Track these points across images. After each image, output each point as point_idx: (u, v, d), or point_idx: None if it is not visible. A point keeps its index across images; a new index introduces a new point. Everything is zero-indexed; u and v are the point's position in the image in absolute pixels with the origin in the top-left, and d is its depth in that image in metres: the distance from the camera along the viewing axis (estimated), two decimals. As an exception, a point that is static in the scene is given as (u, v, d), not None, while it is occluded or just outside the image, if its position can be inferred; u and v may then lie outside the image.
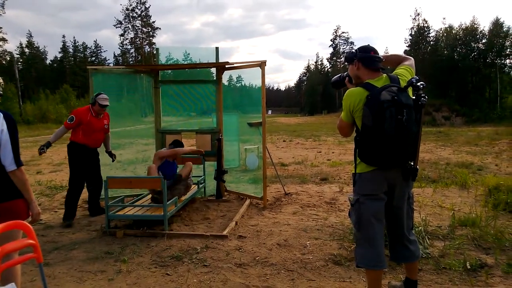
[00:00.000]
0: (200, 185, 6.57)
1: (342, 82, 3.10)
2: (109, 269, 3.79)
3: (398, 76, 2.77)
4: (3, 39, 58.24)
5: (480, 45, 49.81)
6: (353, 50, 2.87)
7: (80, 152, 5.58)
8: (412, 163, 2.71)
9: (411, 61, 3.02)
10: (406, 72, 2.85)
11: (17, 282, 2.54)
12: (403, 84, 2.68)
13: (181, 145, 5.94)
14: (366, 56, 2.79)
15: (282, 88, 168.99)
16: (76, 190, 5.57)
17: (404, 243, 2.91)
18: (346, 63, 2.99)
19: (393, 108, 2.51)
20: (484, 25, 77.88)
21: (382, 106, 2.51)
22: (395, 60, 3.09)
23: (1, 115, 2.57)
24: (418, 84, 2.56)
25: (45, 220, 5.55)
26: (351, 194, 2.94)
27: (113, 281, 3.52)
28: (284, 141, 19.96)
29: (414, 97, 2.63)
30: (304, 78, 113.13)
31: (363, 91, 2.66)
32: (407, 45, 58.93)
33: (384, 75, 2.77)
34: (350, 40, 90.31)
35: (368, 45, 2.87)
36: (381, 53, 2.89)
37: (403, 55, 3.15)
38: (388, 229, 2.99)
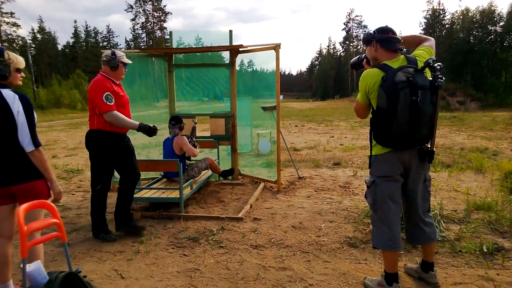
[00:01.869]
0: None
1: (360, 64, 3.08)
2: (128, 249, 3.87)
3: (416, 57, 2.73)
4: (16, 25, 58.63)
5: (498, 28, 48.66)
6: (371, 32, 2.84)
7: (109, 145, 4.10)
8: (428, 145, 2.71)
9: (431, 42, 2.98)
10: (425, 53, 2.81)
11: (41, 261, 2.60)
12: (420, 65, 2.64)
13: (180, 121, 5.77)
14: (385, 37, 2.75)
15: (294, 72, 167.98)
16: (103, 197, 4.37)
17: (419, 225, 2.92)
18: (363, 45, 2.95)
19: (408, 89, 2.48)
20: (502, 7, 75.98)
21: (396, 87, 2.49)
22: (414, 41, 3.04)
23: (17, 96, 2.60)
24: (435, 65, 2.53)
25: (63, 202, 5.65)
26: (368, 176, 2.95)
27: (132, 261, 3.60)
28: (296, 126, 19.91)
29: (431, 78, 2.59)
30: (316, 62, 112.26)
31: (379, 72, 2.64)
32: (421, 28, 57.94)
33: (402, 56, 2.74)
34: (363, 24, 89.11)
35: (386, 25, 2.82)
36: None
37: (423, 36, 3.09)
38: (404, 211, 3.01)
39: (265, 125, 11.56)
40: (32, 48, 67.98)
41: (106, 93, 3.90)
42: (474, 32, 49.81)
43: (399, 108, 2.48)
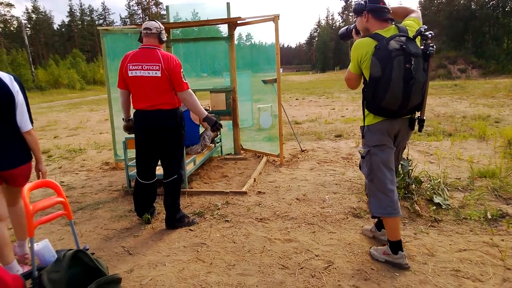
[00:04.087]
0: (217, 144, 6.61)
1: (349, 34, 3.12)
2: (134, 226, 3.90)
3: (407, 27, 2.75)
4: (10, 4, 57.79)
5: (500, -9, 47.75)
6: (362, 2, 2.83)
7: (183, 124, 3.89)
8: (418, 114, 2.76)
9: (418, 13, 3.02)
10: (414, 24, 2.82)
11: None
12: (411, 34, 2.67)
13: None
14: (376, 7, 2.76)
15: (293, 45, 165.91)
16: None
17: None
18: (354, 16, 2.95)
19: (401, 57, 2.50)
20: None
21: (390, 55, 2.50)
22: (402, 13, 3.07)
23: (11, 77, 2.64)
24: (427, 33, 2.55)
25: (67, 182, 5.67)
26: (361, 147, 2.97)
27: (139, 237, 3.62)
28: (296, 99, 19.80)
29: (422, 47, 2.62)
30: (315, 34, 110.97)
31: (372, 41, 2.64)
32: (421, -5, 56.90)
33: (393, 25, 2.76)
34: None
35: None
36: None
37: (410, 7, 3.13)
38: None
39: (265, 100, 11.50)
40: (27, 29, 67.19)
41: (182, 69, 3.61)
42: (476, -3, 48.91)
43: (394, 76, 2.50)
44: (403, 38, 2.57)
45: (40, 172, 2.91)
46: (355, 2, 2.95)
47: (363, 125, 2.89)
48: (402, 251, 2.84)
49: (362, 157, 2.92)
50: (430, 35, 2.55)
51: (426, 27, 2.59)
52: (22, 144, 2.71)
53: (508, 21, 47.19)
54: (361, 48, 2.68)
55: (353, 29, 3.03)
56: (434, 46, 2.58)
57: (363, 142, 2.92)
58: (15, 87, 2.60)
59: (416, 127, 2.83)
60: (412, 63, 2.49)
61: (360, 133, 2.97)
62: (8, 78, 2.60)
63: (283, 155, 6.27)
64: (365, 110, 2.82)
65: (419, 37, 2.62)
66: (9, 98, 2.56)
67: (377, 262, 2.94)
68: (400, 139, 2.89)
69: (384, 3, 2.78)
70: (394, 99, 2.56)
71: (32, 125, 2.72)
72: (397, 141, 2.88)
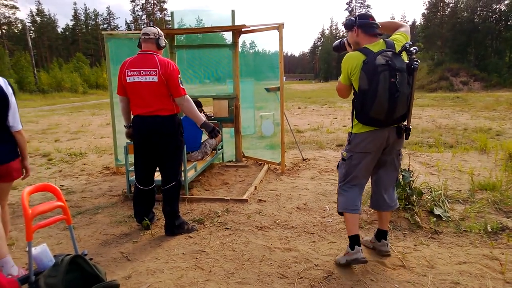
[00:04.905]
0: (218, 151, 6.61)
1: (342, 47, 3.26)
2: (133, 232, 3.88)
3: (394, 42, 2.89)
4: (14, 7, 58.12)
5: (502, 6, 47.87)
6: (352, 18, 3.00)
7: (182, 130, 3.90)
8: (405, 123, 2.91)
9: (407, 28, 3.16)
10: (402, 38, 2.97)
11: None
12: (398, 49, 2.81)
13: (200, 105, 5.99)
14: (365, 22, 2.91)
15: (296, 54, 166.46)
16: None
17: (383, 193, 3.14)
18: (345, 30, 3.11)
19: (387, 71, 2.66)
20: (507, -15, 74.59)
21: (376, 69, 2.66)
22: (392, 27, 3.20)
23: (5, 80, 2.78)
24: (411, 49, 2.71)
25: (67, 186, 5.66)
26: (344, 150, 3.11)
27: (138, 243, 3.61)
28: (299, 108, 19.83)
29: (407, 61, 2.76)
30: (319, 43, 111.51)
31: (360, 56, 2.79)
32: (425, 7, 57.18)
33: (381, 40, 2.91)
34: (366, 3, 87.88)
35: (366, 12, 3.04)
36: (380, 20, 3.05)
37: (399, 22, 3.28)
38: (374, 179, 3.20)
39: (268, 107, 11.50)
40: (31, 31, 67.55)
41: (179, 75, 3.60)
42: (479, 11, 49.04)
43: (380, 89, 2.66)
44: (389, 53, 2.72)
45: (24, 169, 3.06)
46: (346, 18, 3.07)
47: (351, 132, 3.03)
48: (359, 246, 2.96)
49: (344, 159, 3.07)
50: (414, 51, 2.71)
51: (410, 43, 2.76)
52: (13, 141, 2.86)
53: (511, 35, 47.28)
54: (351, 61, 2.84)
55: (346, 42, 3.20)
56: (418, 61, 2.74)
57: (348, 147, 3.06)
58: (9, 90, 2.74)
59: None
60: (397, 77, 2.66)
61: (347, 138, 3.11)
62: (2, 82, 2.73)
63: (285, 164, 6.26)
64: (354, 119, 2.96)
65: (404, 52, 2.77)
66: (4, 100, 2.70)
67: (377, 274, 2.92)
68: (390, 148, 3.00)
69: (373, 19, 2.94)
70: (381, 109, 2.71)
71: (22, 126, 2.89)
72: (387, 149, 3.00)
